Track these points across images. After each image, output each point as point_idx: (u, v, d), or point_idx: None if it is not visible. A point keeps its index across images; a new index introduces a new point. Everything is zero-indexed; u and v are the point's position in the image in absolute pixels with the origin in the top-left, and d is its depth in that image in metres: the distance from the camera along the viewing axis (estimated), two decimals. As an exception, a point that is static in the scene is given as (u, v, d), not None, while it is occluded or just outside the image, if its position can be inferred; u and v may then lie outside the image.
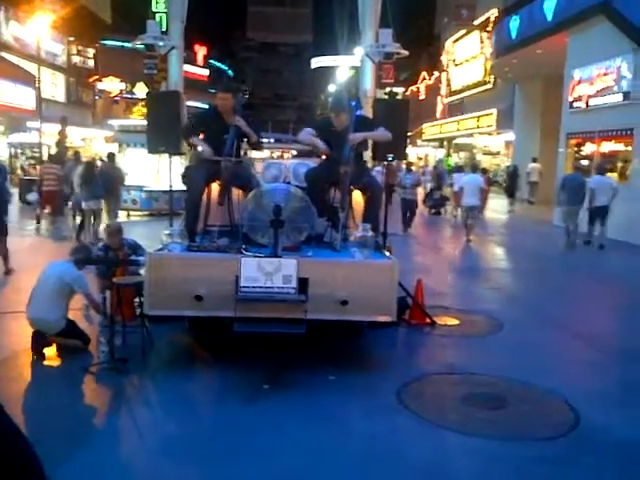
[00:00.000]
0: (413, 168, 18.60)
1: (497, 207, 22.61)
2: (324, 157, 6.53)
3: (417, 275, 7.80)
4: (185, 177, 6.68)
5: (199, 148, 6.19)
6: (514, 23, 21.74)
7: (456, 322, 7.41)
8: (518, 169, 23.30)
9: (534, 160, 23.44)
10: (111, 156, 15.18)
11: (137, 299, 6.51)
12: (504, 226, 18.66)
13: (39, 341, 5.88)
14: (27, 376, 5.51)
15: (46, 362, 5.78)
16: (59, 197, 14.53)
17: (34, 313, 5.93)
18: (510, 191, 22.45)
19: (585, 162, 17.79)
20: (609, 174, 14.80)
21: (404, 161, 14.71)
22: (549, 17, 18.76)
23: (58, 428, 4.42)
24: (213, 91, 15.80)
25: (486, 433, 4.44)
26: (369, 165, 7.17)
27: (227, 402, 4.94)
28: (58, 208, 14.62)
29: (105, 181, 12.57)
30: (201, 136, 6.35)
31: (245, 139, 6.29)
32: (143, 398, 5.09)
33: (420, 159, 45.83)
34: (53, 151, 22.45)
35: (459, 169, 22.11)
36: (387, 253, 6.01)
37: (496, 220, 19.49)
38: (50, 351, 5.94)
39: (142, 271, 6.02)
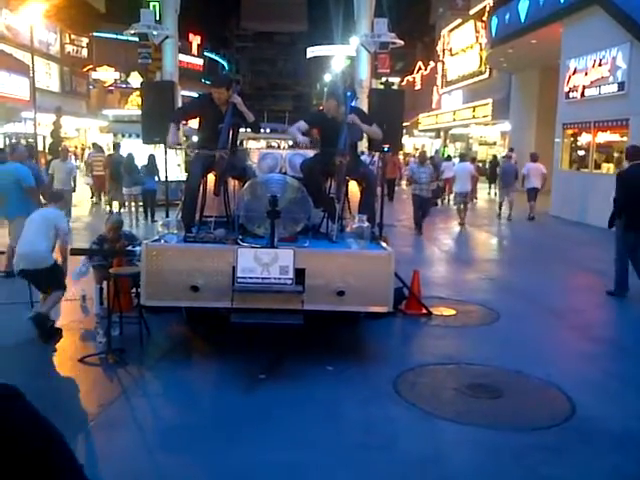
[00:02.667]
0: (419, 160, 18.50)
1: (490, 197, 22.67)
2: (320, 148, 6.52)
3: (413, 266, 7.82)
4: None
5: (169, 136, 6.12)
6: (508, 13, 21.71)
7: (452, 312, 7.43)
8: (497, 158, 23.53)
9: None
10: (116, 146, 17.14)
11: (134, 290, 6.51)
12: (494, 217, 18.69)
13: (45, 328, 5.96)
14: (24, 366, 5.50)
15: (43, 352, 5.78)
16: (104, 180, 16.71)
17: (23, 249, 6.13)
18: (492, 179, 24.12)
19: (581, 152, 17.86)
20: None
21: (416, 152, 14.89)
22: (536, 10, 18.77)
23: (55, 418, 4.42)
24: (208, 82, 15.81)
25: (482, 423, 4.46)
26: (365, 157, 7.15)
27: (224, 392, 4.95)
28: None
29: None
30: (195, 121, 6.31)
31: (242, 126, 6.23)
32: (140, 388, 5.10)
33: (417, 150, 45.77)
34: (48, 141, 22.36)
35: (448, 158, 22.80)
36: (383, 244, 6.02)
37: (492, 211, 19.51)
38: (48, 341, 5.94)
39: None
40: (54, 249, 6.31)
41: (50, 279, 6.19)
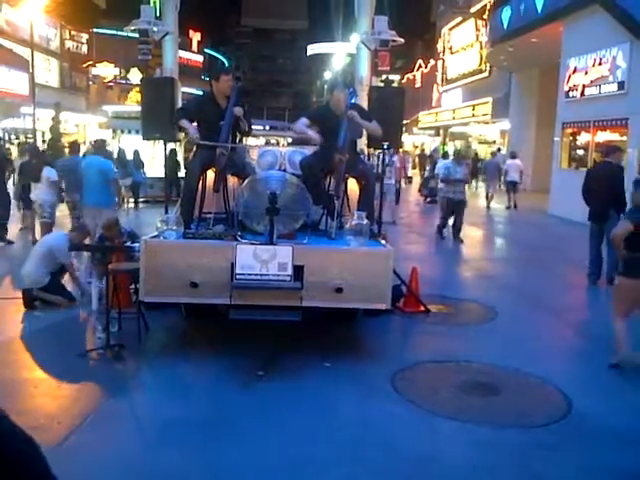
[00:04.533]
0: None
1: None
2: (319, 145, 6.52)
3: (411, 262, 7.82)
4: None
5: (189, 131, 6.11)
6: (507, 12, 21.69)
7: (450, 310, 7.44)
8: (477, 155, 23.61)
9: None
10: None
11: (133, 286, 6.52)
12: (500, 216, 18.71)
13: (29, 296, 6.85)
14: (23, 361, 5.52)
15: (42, 348, 5.80)
16: None
17: (24, 270, 6.99)
18: (474, 174, 24.90)
19: (581, 151, 17.86)
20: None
21: (415, 150, 14.93)
22: (540, 7, 18.74)
23: (54, 413, 4.45)
24: (207, 79, 15.77)
25: (480, 420, 4.48)
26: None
27: (222, 388, 4.96)
28: None
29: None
30: (194, 123, 6.33)
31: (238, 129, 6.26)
32: (139, 384, 5.11)
33: (416, 147, 45.79)
34: (47, 137, 22.35)
35: (444, 156, 22.78)
36: (382, 241, 6.02)
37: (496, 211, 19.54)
38: (45, 335, 5.96)
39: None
40: (53, 270, 6.99)
41: (50, 291, 6.93)
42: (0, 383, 4.93)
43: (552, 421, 4.52)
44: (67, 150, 14.23)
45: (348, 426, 4.40)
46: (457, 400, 4.86)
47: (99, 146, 9.92)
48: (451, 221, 12.80)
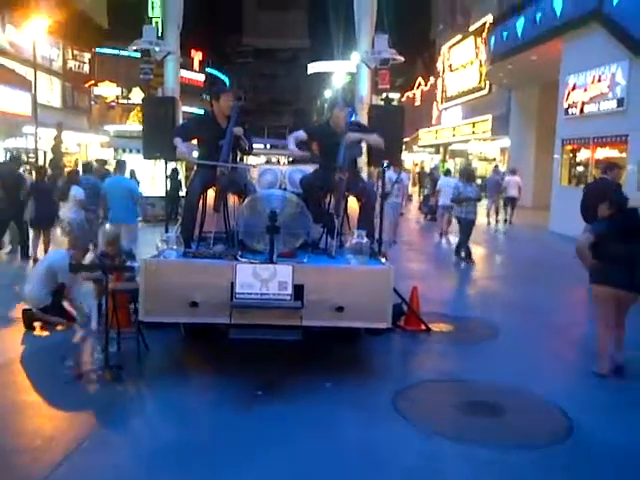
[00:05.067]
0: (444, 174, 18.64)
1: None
2: (319, 164, 6.53)
3: (412, 281, 7.80)
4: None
5: (179, 149, 6.07)
6: (505, 31, 21.85)
7: (451, 328, 7.41)
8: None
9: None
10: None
11: (132, 305, 6.50)
12: (501, 234, 18.69)
13: (28, 316, 6.84)
14: (21, 383, 5.48)
15: (41, 369, 5.77)
16: None
17: (25, 290, 7.00)
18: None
19: (580, 168, 17.89)
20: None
21: (415, 167, 14.74)
22: (536, 26, 18.92)
23: (52, 435, 4.41)
24: (208, 98, 15.86)
25: (482, 440, 4.44)
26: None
27: (222, 409, 4.92)
28: None
29: None
30: (194, 141, 6.35)
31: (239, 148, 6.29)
32: (138, 405, 5.08)
33: (416, 165, 45.86)
34: (49, 157, 22.42)
35: (447, 173, 22.93)
36: (382, 259, 6.01)
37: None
38: (44, 357, 5.93)
39: (138, 277, 6.01)
40: (54, 289, 6.98)
41: (50, 311, 6.91)
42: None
43: (555, 441, 4.48)
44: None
45: (349, 448, 4.35)
46: (459, 420, 4.82)
47: (120, 166, 10.63)
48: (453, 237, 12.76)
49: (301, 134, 6.38)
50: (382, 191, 7.60)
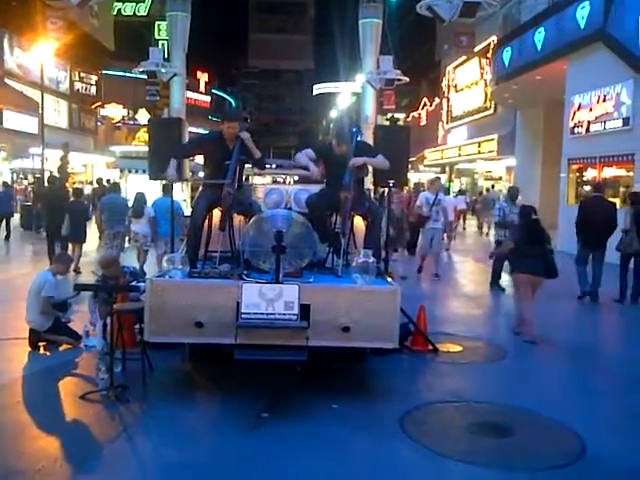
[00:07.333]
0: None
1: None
2: (325, 183, 6.53)
3: (417, 300, 7.75)
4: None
5: (167, 171, 6.09)
6: (509, 51, 21.95)
7: (459, 349, 7.34)
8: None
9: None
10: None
11: (137, 325, 6.47)
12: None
13: (34, 337, 6.86)
14: (26, 403, 5.44)
15: (45, 389, 5.73)
16: None
17: (28, 315, 6.96)
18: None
19: (587, 187, 17.85)
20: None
21: (448, 184, 14.10)
22: (541, 46, 18.99)
23: (56, 456, 4.36)
24: (215, 119, 15.85)
25: (491, 462, 4.37)
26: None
27: (227, 431, 4.86)
28: None
29: None
30: (199, 158, 6.35)
31: (248, 162, 6.28)
32: (142, 427, 5.02)
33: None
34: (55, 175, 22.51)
35: (461, 192, 23.60)
36: (389, 279, 5.97)
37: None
38: (49, 377, 5.90)
39: (143, 297, 5.98)
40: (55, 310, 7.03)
41: (55, 332, 6.97)
42: (2, 425, 4.86)
43: (566, 463, 4.40)
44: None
45: (357, 469, 4.30)
46: (467, 442, 4.75)
47: (165, 189, 11.04)
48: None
49: (310, 152, 6.38)
50: (388, 212, 7.56)
